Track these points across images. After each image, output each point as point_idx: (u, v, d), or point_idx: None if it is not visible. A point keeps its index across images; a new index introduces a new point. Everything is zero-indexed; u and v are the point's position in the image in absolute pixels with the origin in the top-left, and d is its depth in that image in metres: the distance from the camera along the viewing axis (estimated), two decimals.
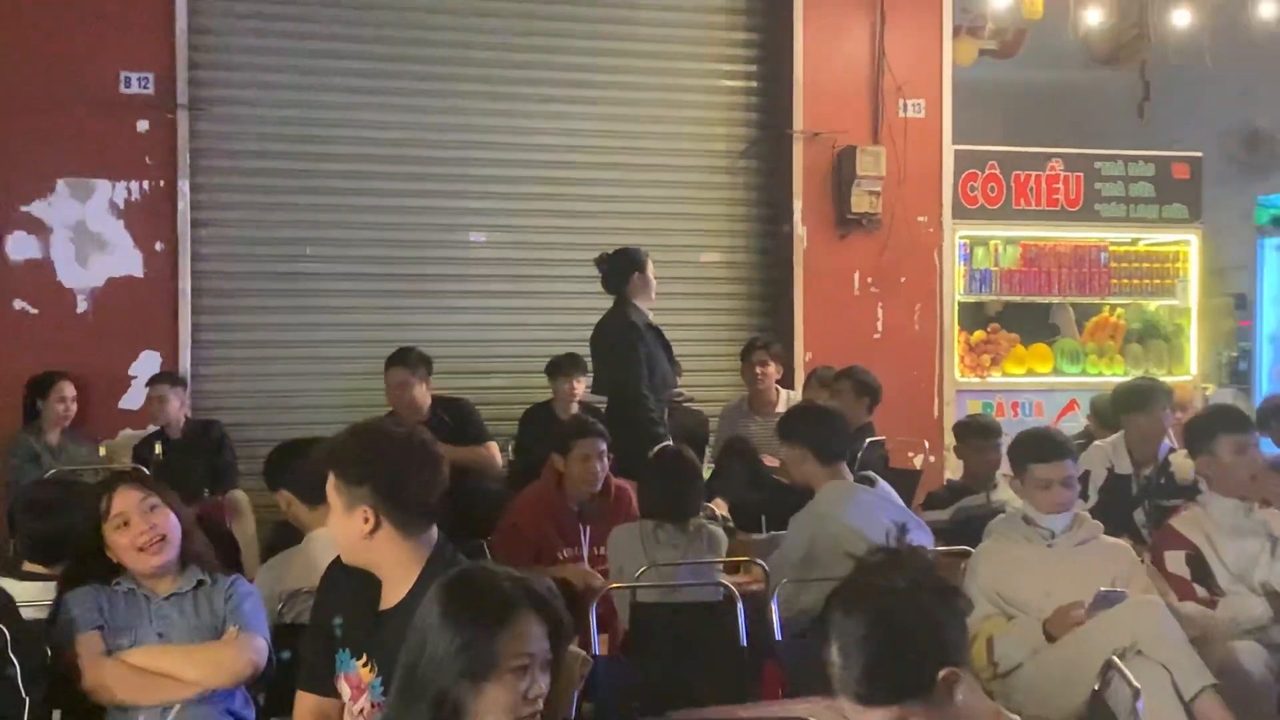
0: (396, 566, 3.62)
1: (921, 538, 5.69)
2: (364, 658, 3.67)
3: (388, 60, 9.61)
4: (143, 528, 4.37)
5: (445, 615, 2.94)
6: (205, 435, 8.59)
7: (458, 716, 2.92)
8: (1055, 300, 11.28)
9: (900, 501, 6.25)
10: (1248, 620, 5.64)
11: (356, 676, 3.70)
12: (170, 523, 4.42)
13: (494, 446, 8.26)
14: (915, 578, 2.70)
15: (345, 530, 3.64)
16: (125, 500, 4.40)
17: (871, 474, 6.29)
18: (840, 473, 6.05)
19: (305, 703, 3.80)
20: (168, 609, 4.40)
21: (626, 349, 8.12)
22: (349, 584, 3.74)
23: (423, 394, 8.07)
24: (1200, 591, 5.65)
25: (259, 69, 9.38)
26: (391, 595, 3.63)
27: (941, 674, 2.69)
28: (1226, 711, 5.06)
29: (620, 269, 8.28)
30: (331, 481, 3.65)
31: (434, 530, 3.68)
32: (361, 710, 3.64)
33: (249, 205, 9.39)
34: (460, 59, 9.73)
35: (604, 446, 6.79)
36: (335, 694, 3.76)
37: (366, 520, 3.57)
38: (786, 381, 9.54)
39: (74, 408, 8.57)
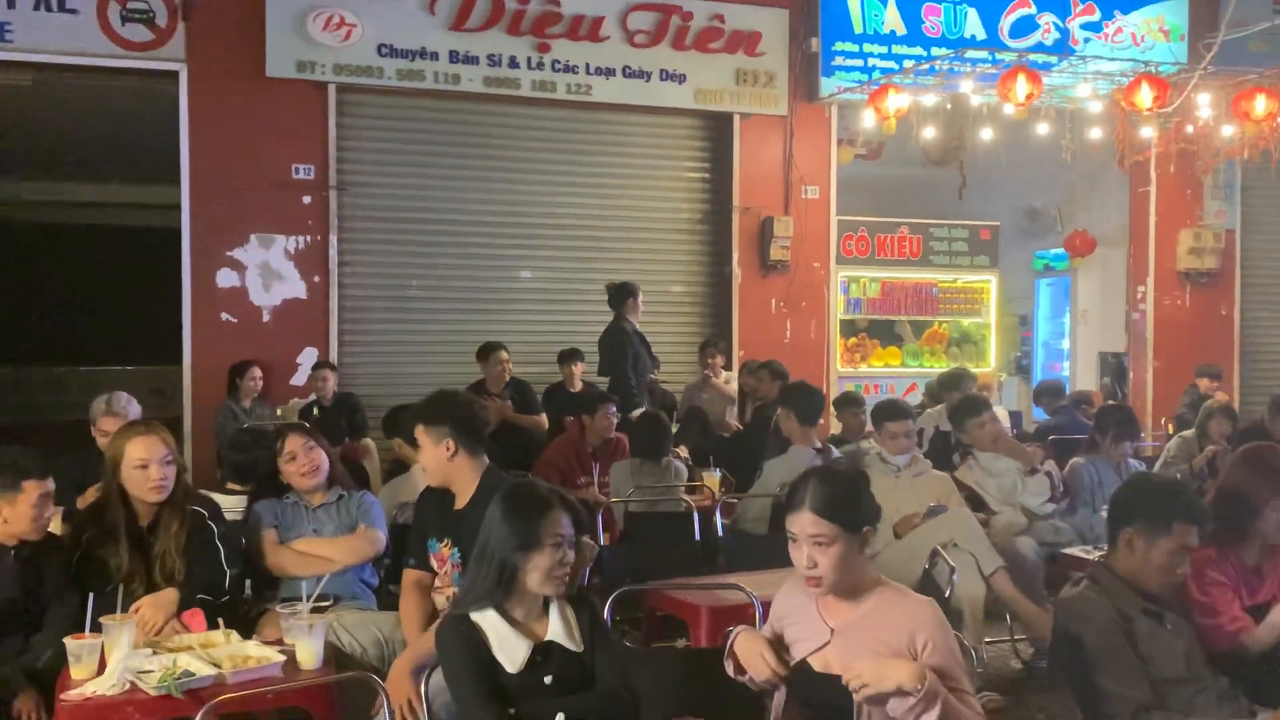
0: (466, 481, 3.72)
1: None
2: (446, 541, 3.71)
3: (473, 156, 9.50)
4: (304, 460, 4.38)
5: (505, 508, 2.99)
6: (347, 403, 8.56)
7: (514, 575, 2.95)
8: (902, 318, 11.27)
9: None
10: (1012, 527, 5.66)
11: (440, 554, 3.74)
12: (321, 457, 4.43)
13: (544, 417, 8.25)
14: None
15: (435, 457, 3.71)
16: (293, 442, 4.42)
17: (830, 446, 6.22)
18: (810, 435, 5.95)
19: (410, 576, 3.84)
20: (320, 514, 4.40)
21: (620, 348, 8.23)
22: (434, 498, 3.85)
23: (508, 370, 8.20)
24: (979, 515, 5.62)
25: (384, 163, 9.29)
26: (462, 500, 3.69)
27: (864, 529, 2.75)
28: (1011, 584, 5.09)
29: (620, 294, 8.40)
30: (421, 429, 3.72)
31: (485, 456, 3.79)
32: (445, 571, 3.68)
33: (377, 252, 9.29)
34: (517, 158, 9.63)
35: (615, 409, 6.83)
36: (429, 568, 3.79)
37: (449, 448, 3.61)
38: (728, 368, 9.56)
39: (260, 384, 8.51)
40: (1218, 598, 3.52)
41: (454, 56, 9.16)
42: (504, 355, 8.18)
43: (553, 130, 9.73)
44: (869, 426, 6.73)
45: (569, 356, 8.65)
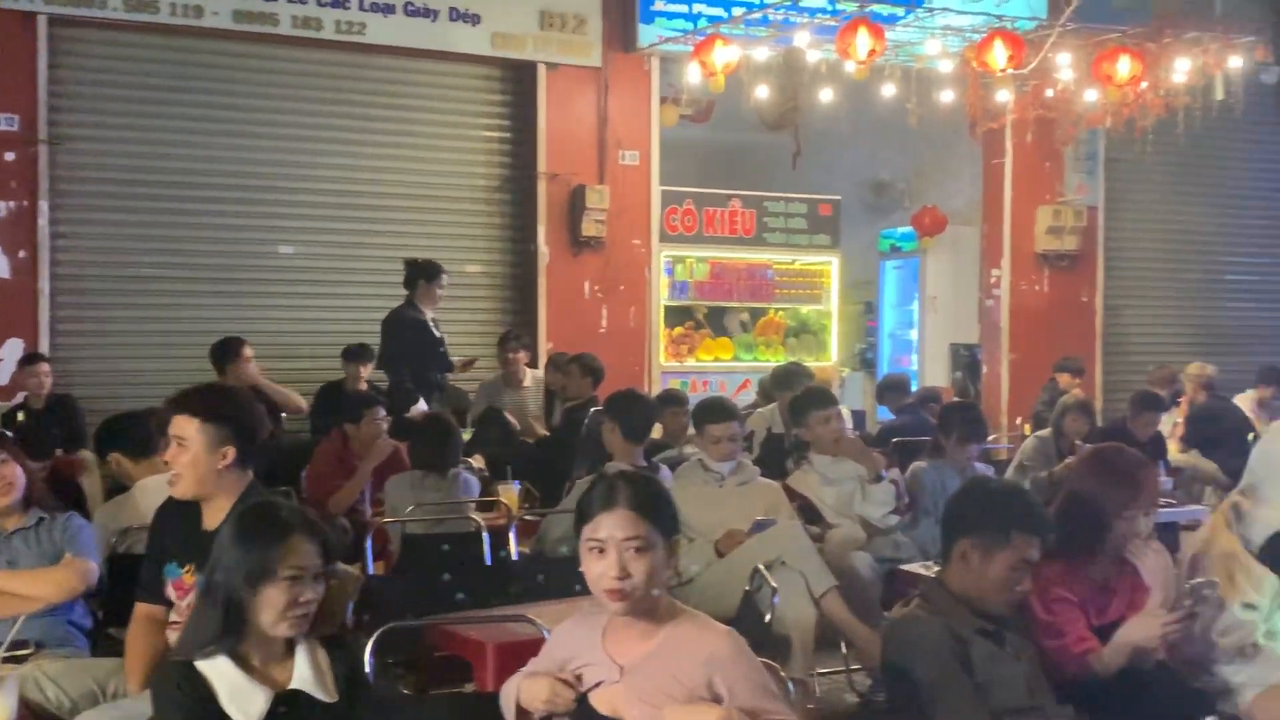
0: (225, 496, 3.61)
1: None
2: (189, 566, 3.62)
3: (215, 108, 9.23)
4: None
5: (235, 534, 2.92)
6: (62, 406, 8.18)
7: (241, 614, 2.87)
8: (736, 305, 11.45)
9: None
10: (849, 542, 5.81)
11: (181, 581, 3.65)
12: (14, 472, 4.26)
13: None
14: None
15: (204, 463, 3.63)
16: None
17: (658, 464, 6.20)
18: (634, 453, 5.89)
19: (140, 611, 3.73)
20: (14, 542, 4.24)
21: (403, 335, 8.17)
22: (175, 514, 3.74)
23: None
24: (813, 529, 5.74)
25: (109, 113, 8.95)
26: (214, 518, 3.58)
27: (674, 538, 2.85)
28: (844, 606, 5.21)
29: (413, 275, 8.34)
30: (196, 425, 3.61)
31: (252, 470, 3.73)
32: (188, 604, 3.58)
33: (101, 221, 8.95)
34: (273, 109, 9.41)
35: (383, 414, 6.72)
36: (164, 601, 3.69)
37: (226, 456, 3.59)
38: (531, 364, 9.53)
39: None
40: (1063, 617, 3.67)
41: None
42: (248, 352, 7.96)
43: (319, 78, 9.52)
44: (692, 429, 6.80)
45: (357, 355, 8.52)
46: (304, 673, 2.92)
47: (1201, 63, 9.66)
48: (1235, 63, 9.50)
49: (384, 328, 8.38)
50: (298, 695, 2.90)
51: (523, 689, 2.89)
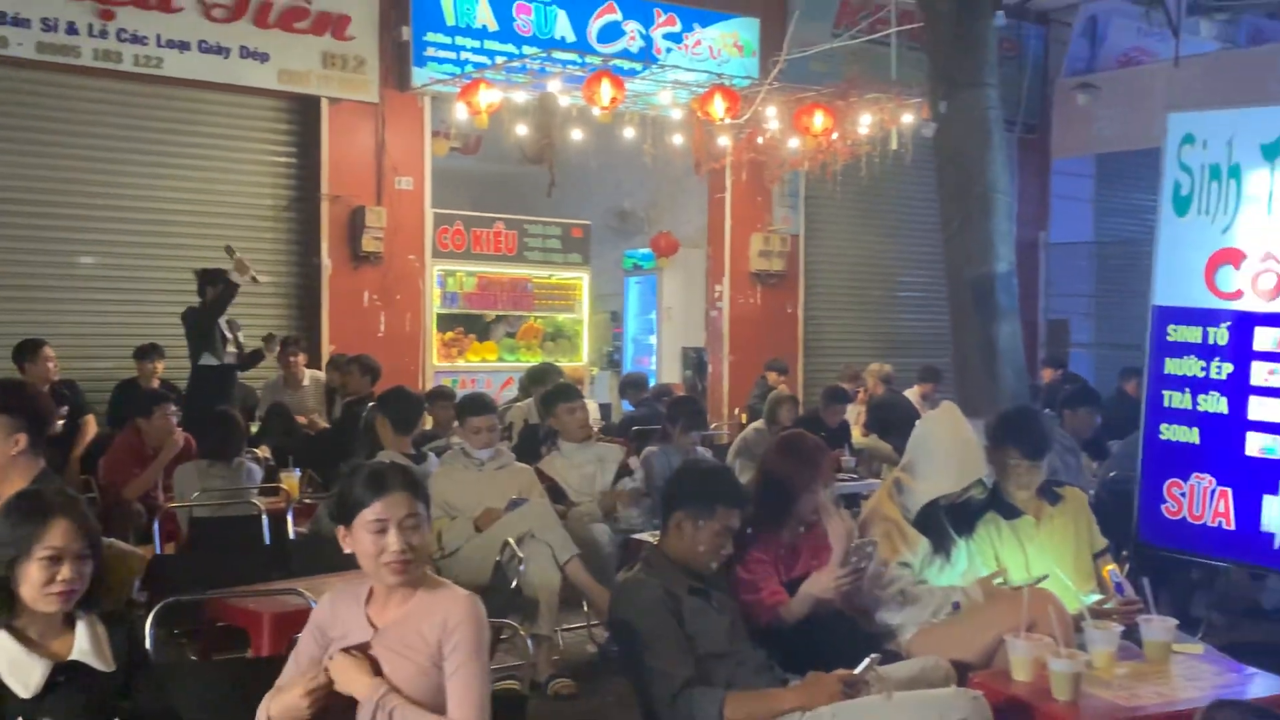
0: (17, 481, 3.38)
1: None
2: None
3: (25, 129, 8.63)
4: None
5: (2, 515, 2.73)
6: None
7: (9, 591, 2.68)
8: (500, 313, 11.37)
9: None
10: (590, 516, 5.87)
11: None
12: None
13: (90, 419, 7.67)
14: None
15: None
16: None
17: (425, 452, 6.07)
18: (403, 443, 5.75)
19: None
20: None
21: (203, 328, 7.80)
22: None
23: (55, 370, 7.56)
24: (559, 507, 5.75)
25: None
26: None
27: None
28: (585, 571, 5.25)
29: (203, 283, 7.99)
30: None
31: (43, 458, 3.53)
32: None
33: None
34: (83, 133, 8.84)
35: (173, 409, 6.38)
36: None
37: (18, 443, 3.42)
38: (315, 365, 9.25)
39: None
40: (759, 574, 3.80)
41: (2, 18, 8.29)
42: (49, 353, 7.45)
43: (118, 105, 9.01)
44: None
45: (148, 353, 8.06)
46: (83, 645, 2.74)
47: (880, 118, 10.13)
48: (906, 119, 9.99)
49: (186, 320, 8.06)
50: (77, 666, 2.72)
51: (273, 708, 2.75)
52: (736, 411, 11.17)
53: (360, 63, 9.77)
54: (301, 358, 8.84)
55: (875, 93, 10.02)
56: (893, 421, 8.60)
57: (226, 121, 9.48)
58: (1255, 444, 4.82)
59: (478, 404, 5.77)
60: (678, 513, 3.46)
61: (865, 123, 10.13)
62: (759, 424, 8.06)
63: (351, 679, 2.67)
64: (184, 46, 8.96)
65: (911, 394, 10.20)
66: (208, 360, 7.90)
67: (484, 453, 5.66)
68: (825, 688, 3.13)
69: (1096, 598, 3.91)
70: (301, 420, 8.51)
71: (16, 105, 8.61)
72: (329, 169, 9.74)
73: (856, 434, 9.03)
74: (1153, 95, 12.36)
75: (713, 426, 9.98)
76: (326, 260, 9.79)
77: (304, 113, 9.74)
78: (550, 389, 6.63)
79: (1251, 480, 4.82)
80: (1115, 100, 13.15)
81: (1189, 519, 5.01)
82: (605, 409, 10.72)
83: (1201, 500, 4.96)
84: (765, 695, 3.25)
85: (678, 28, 11.26)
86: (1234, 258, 4.91)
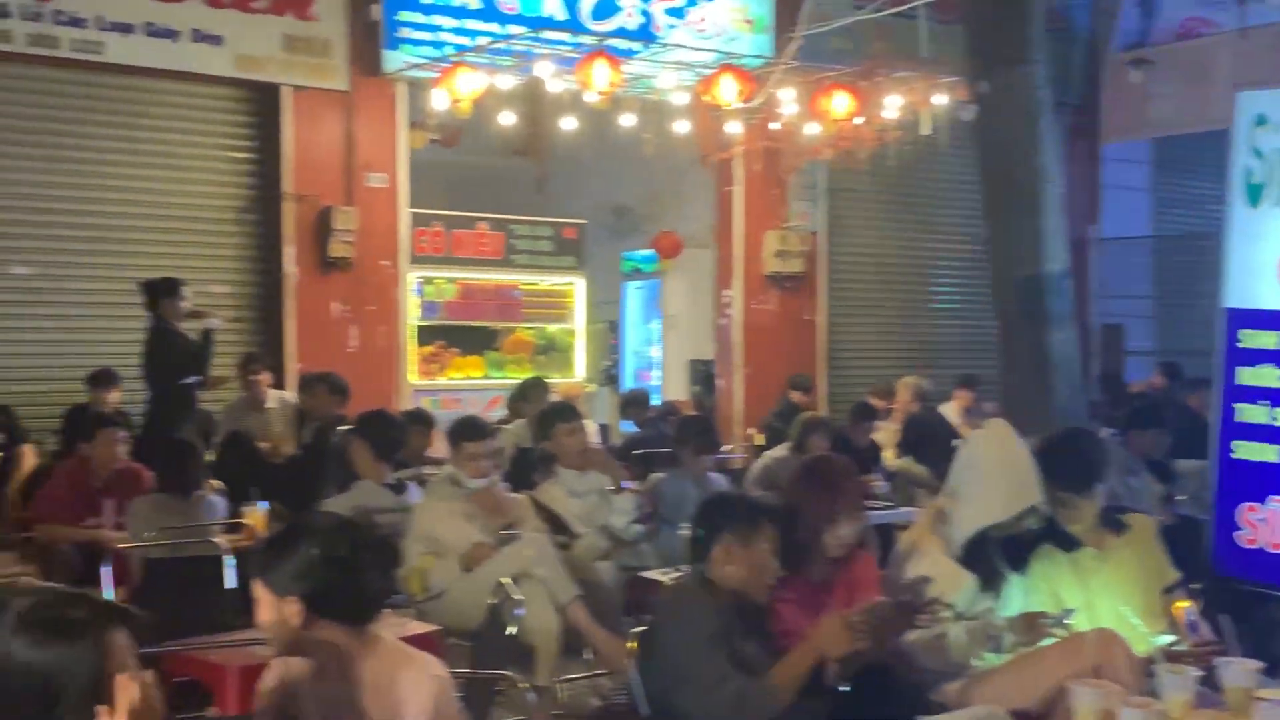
0: None
1: None
2: None
3: None
4: None
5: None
6: None
7: None
8: (484, 324, 11.39)
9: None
10: (593, 552, 5.86)
11: None
12: None
13: (29, 449, 7.68)
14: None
15: None
16: None
17: (404, 481, 6.09)
18: (382, 470, 5.80)
19: None
20: None
21: (166, 352, 7.81)
22: None
23: None
24: (560, 539, 5.76)
25: None
26: None
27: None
28: (588, 615, 5.23)
29: (151, 294, 7.97)
30: None
31: None
32: None
33: None
34: (12, 126, 8.83)
35: (123, 434, 6.39)
36: None
37: None
38: (279, 384, 9.25)
39: None
40: (789, 619, 3.80)
41: None
42: None
43: (55, 96, 9.01)
44: (434, 447, 6.71)
45: (102, 380, 8.09)
46: None
47: (910, 100, 10.14)
48: (939, 100, 10.00)
49: (148, 349, 7.98)
50: None
51: None
52: (751, 432, 11.15)
53: (326, 46, 9.78)
54: (265, 376, 8.84)
55: (904, 71, 10.03)
56: (928, 441, 8.59)
57: (177, 113, 9.47)
58: None
59: (474, 427, 5.77)
60: (724, 537, 3.62)
61: (893, 105, 10.14)
62: (782, 450, 8.02)
63: None
64: (128, 29, 8.97)
65: (948, 409, 10.19)
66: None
67: (480, 481, 5.64)
68: (836, 630, 3.45)
69: (1169, 639, 3.89)
70: (265, 446, 8.51)
71: None
72: (293, 165, 9.73)
73: (888, 456, 9.02)
74: (1215, 71, 12.38)
75: (725, 449, 9.96)
76: (291, 267, 9.79)
77: (264, 102, 9.73)
78: (547, 408, 6.64)
79: None
80: (1173, 77, 13.16)
81: (1267, 548, 5.00)
82: (604, 430, 10.72)
83: None
84: (791, 658, 3.54)
85: (681, 2, 11.28)
86: None
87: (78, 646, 2.09)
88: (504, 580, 4.86)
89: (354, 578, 2.77)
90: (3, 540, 6.66)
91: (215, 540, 5.54)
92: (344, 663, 2.77)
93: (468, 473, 5.65)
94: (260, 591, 2.78)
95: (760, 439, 10.28)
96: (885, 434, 9.44)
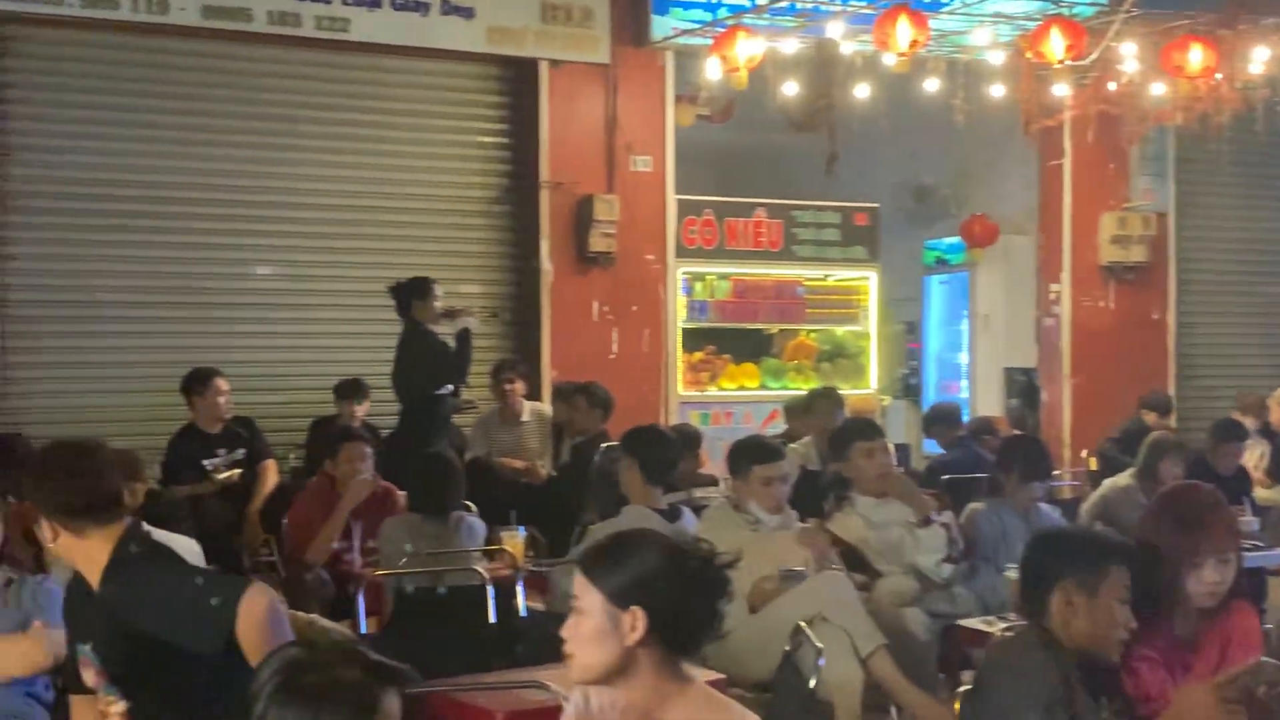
0: (86, 562, 3.49)
1: None
2: (83, 641, 3.55)
3: (180, 114, 9.32)
4: None
5: None
6: (10, 449, 8.13)
7: None
8: (762, 326, 11.44)
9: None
10: (899, 595, 5.81)
11: (88, 657, 3.56)
12: None
13: (271, 464, 8.18)
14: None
15: (45, 540, 3.52)
16: None
17: (680, 508, 6.17)
18: (655, 495, 5.93)
19: (75, 707, 3.64)
20: None
21: (425, 360, 8.19)
22: (78, 585, 3.60)
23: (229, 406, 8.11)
24: (858, 577, 5.73)
25: (64, 121, 9.06)
26: (95, 585, 3.50)
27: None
28: (895, 668, 5.21)
29: (403, 296, 8.35)
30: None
31: (117, 524, 3.49)
32: (97, 685, 3.51)
33: (56, 241, 9.06)
34: (246, 114, 9.49)
35: (369, 450, 6.76)
36: (84, 687, 3.59)
37: (51, 530, 3.46)
38: (534, 395, 9.56)
39: None
40: (1147, 678, 3.69)
41: None
42: (222, 385, 8.01)
43: (297, 79, 9.64)
44: (707, 467, 6.78)
45: (350, 391, 8.62)
46: None
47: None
48: None
49: (402, 356, 8.42)
50: None
51: None
52: (1084, 454, 10.83)
53: (586, 14, 10.08)
54: (520, 385, 9.15)
55: (1275, 17, 9.57)
56: None
57: (424, 94, 9.99)
58: None
59: (766, 449, 5.82)
60: (1064, 582, 3.53)
61: (1260, 58, 9.69)
62: (1126, 478, 7.75)
63: None
64: (375, 3, 9.47)
65: None
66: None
67: (772, 518, 5.68)
68: (1204, 699, 3.28)
69: None
70: (516, 465, 8.82)
71: (180, 85, 9.34)
72: (549, 150, 10.08)
73: (1259, 485, 8.63)
74: None
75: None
76: (546, 264, 10.13)
77: (518, 80, 10.13)
78: (844, 425, 6.64)
79: None
80: None
81: None
82: (902, 451, 10.58)
83: None
84: None
85: None
86: None
87: (344, 713, 2.21)
88: (804, 624, 4.88)
89: (697, 599, 2.80)
90: (255, 564, 7.16)
91: (477, 569, 5.76)
92: (663, 698, 2.79)
93: (758, 501, 5.68)
94: (591, 600, 2.77)
95: (1094, 464, 9.98)
96: (1253, 458, 9.03)
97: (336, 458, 6.79)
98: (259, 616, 3.23)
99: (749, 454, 5.82)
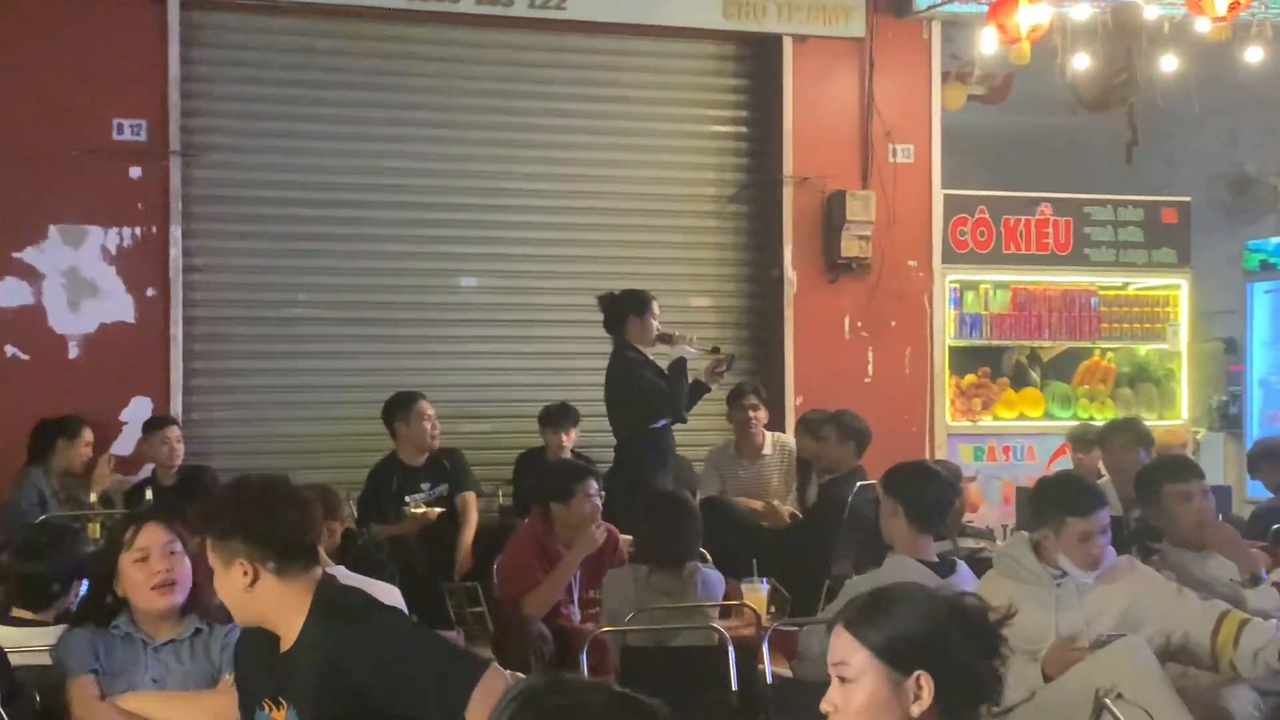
0: (287, 610, 3.62)
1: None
2: (279, 703, 3.66)
3: (378, 107, 9.65)
4: (160, 567, 4.37)
5: None
6: (197, 481, 8.51)
7: None
8: (1047, 344, 11.26)
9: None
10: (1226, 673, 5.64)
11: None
12: (185, 569, 4.42)
13: (471, 498, 8.35)
14: None
15: (228, 588, 3.64)
16: (151, 536, 4.40)
17: (954, 560, 6.06)
18: (923, 544, 5.86)
19: None
20: (165, 654, 4.40)
21: (632, 390, 8.26)
22: (255, 640, 3.75)
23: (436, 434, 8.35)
24: None
25: (251, 117, 9.44)
26: (289, 637, 3.62)
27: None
28: None
29: (614, 311, 8.43)
30: (209, 544, 3.65)
31: (317, 568, 3.70)
32: None
33: (242, 251, 9.42)
34: (450, 106, 9.78)
35: (597, 487, 6.83)
36: None
37: (246, 574, 3.59)
38: (776, 424, 9.55)
39: (90, 453, 8.44)
40: None
41: None
42: (427, 409, 8.23)
43: (508, 65, 9.86)
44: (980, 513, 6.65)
45: (557, 418, 8.80)
46: None
47: None
48: None
49: (611, 386, 8.50)
50: None
51: None
52: None
53: None
54: (762, 414, 9.15)
55: None
56: None
57: (650, 79, 10.14)
58: None
59: (1085, 495, 5.49)
60: None
61: None
62: None
63: None
64: None
65: None
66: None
67: (1085, 576, 5.56)
68: None
69: None
70: (755, 505, 8.83)
71: (379, 75, 9.66)
72: (793, 139, 10.12)
73: None
74: None
75: None
76: (790, 272, 10.16)
77: (758, 60, 10.22)
78: (1152, 464, 6.48)
79: None
80: None
81: None
82: (1221, 493, 10.28)
83: None
84: None
85: None
86: None
87: None
88: (1108, 700, 4.78)
89: (984, 662, 2.81)
90: (460, 616, 7.32)
91: (715, 626, 5.80)
92: None
93: (1074, 561, 5.50)
94: (861, 663, 2.79)
95: None
96: None
97: (568, 499, 6.72)
98: (492, 704, 3.33)
99: (1062, 503, 5.61)
